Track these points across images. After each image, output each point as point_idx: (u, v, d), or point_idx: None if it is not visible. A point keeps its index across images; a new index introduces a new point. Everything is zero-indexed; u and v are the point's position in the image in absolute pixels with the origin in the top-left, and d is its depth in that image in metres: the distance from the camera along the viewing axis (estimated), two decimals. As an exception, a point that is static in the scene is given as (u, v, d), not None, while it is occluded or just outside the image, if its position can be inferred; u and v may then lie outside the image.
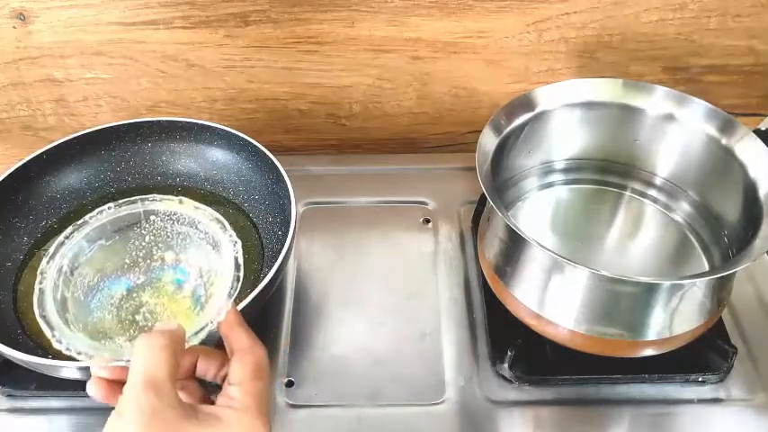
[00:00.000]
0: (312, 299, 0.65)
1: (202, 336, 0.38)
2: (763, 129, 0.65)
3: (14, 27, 0.72)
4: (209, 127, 0.69)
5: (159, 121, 0.70)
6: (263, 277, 0.55)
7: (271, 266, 0.56)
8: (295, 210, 0.60)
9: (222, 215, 0.68)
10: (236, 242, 0.41)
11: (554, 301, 0.55)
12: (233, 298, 0.39)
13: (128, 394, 0.34)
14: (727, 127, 0.60)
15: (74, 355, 0.36)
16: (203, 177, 0.71)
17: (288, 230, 0.59)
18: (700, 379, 0.58)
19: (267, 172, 0.66)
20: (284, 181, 0.63)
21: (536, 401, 0.57)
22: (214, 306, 0.39)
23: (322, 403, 0.57)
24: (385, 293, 0.65)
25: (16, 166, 0.65)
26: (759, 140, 0.58)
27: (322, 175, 0.77)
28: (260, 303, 0.54)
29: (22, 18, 0.71)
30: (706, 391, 0.58)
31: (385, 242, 0.70)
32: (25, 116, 0.80)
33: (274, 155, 0.65)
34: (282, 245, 0.57)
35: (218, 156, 0.70)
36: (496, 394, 0.57)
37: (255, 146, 0.67)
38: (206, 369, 0.40)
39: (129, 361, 0.35)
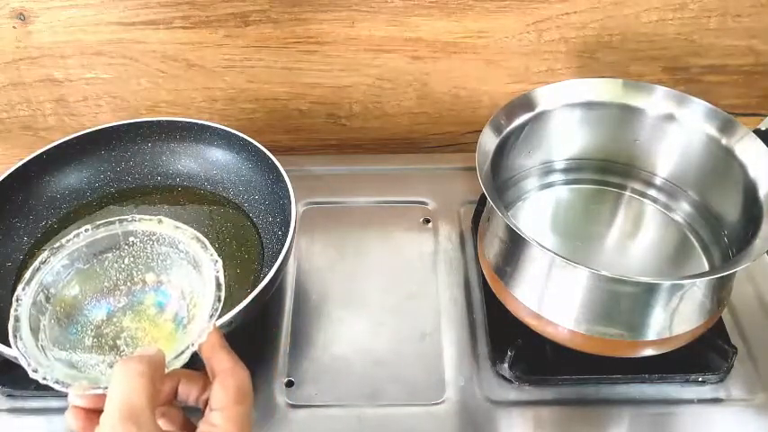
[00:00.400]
0: (312, 299, 0.65)
1: (184, 359, 0.37)
2: (763, 129, 0.65)
3: (14, 27, 0.72)
4: (209, 127, 0.69)
5: (159, 121, 0.70)
6: (263, 277, 0.55)
7: (271, 266, 0.55)
8: (295, 210, 0.60)
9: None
10: (216, 261, 0.40)
11: (554, 301, 0.55)
12: (214, 319, 0.38)
13: (104, 424, 0.33)
14: (727, 127, 0.60)
15: (51, 384, 0.35)
16: (203, 177, 0.71)
17: (288, 230, 0.59)
18: (700, 379, 0.58)
19: (267, 172, 0.66)
20: (284, 181, 0.63)
21: (536, 401, 0.57)
22: (196, 328, 0.38)
23: (322, 403, 0.57)
24: (385, 293, 0.65)
25: (16, 166, 0.65)
26: (759, 140, 0.58)
27: (322, 175, 0.77)
28: (260, 303, 0.54)
29: (22, 18, 0.71)
30: (706, 391, 0.58)
31: (385, 242, 0.70)
32: (25, 116, 0.80)
33: (274, 155, 0.65)
34: (282, 245, 0.57)
35: (218, 156, 0.70)
36: (496, 394, 0.57)
37: (255, 146, 0.67)
38: (187, 393, 0.39)
39: (107, 389, 0.34)
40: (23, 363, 0.35)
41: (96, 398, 0.35)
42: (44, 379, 0.35)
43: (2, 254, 0.63)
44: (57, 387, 0.35)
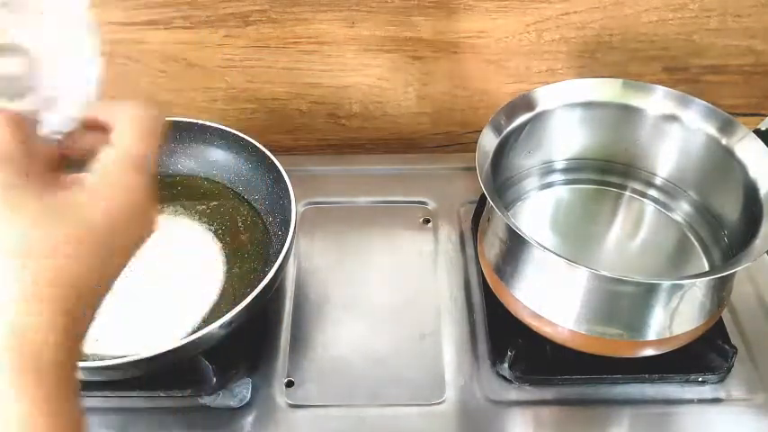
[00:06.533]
0: (312, 299, 0.65)
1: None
2: (763, 129, 0.65)
3: (14, 27, 0.72)
4: (209, 127, 0.69)
5: (159, 121, 0.70)
6: (264, 277, 0.55)
7: (271, 266, 0.56)
8: (295, 210, 0.60)
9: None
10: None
11: (554, 301, 0.55)
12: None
13: None
14: (727, 127, 0.60)
15: None
16: (203, 177, 0.71)
17: (288, 230, 0.59)
18: (700, 379, 0.58)
19: (267, 172, 0.66)
20: (284, 181, 0.63)
21: (536, 401, 0.57)
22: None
23: (322, 403, 0.57)
24: (385, 293, 0.65)
25: (16, 166, 0.65)
26: (759, 140, 0.58)
27: (322, 175, 0.77)
28: (260, 303, 0.54)
29: (22, 18, 0.71)
30: (706, 391, 0.58)
31: (385, 242, 0.70)
32: (25, 116, 0.80)
33: (274, 155, 0.65)
34: (282, 245, 0.57)
35: (218, 156, 0.70)
36: (496, 394, 0.57)
37: (255, 146, 0.67)
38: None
39: None
40: None
41: None
42: None
43: (2, 254, 0.63)
44: None
